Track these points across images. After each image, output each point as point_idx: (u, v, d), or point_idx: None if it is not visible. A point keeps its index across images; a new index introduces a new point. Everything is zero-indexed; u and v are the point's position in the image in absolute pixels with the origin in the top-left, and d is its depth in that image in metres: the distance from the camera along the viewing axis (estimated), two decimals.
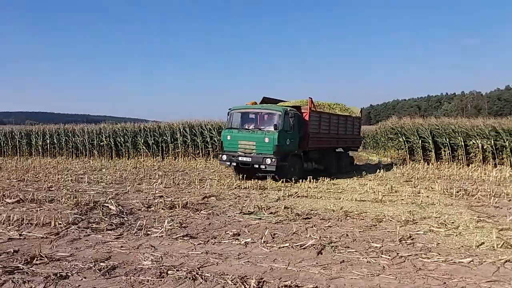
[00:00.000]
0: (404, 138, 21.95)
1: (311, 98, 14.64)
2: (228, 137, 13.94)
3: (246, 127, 14.03)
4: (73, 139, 25.94)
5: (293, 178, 13.23)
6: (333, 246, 6.15)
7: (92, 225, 7.33)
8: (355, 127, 18.47)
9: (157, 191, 11.13)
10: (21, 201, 9.54)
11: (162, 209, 8.69)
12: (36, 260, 5.43)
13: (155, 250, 5.95)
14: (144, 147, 24.06)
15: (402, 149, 22.09)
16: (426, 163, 20.09)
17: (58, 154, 25.98)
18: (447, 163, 20.03)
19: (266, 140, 13.10)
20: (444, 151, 20.60)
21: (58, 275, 4.89)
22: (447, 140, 20.45)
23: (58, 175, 15.28)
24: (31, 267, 5.23)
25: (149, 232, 6.82)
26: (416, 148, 21.48)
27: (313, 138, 14.70)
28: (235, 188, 11.85)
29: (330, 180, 14.01)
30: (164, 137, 23.98)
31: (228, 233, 6.79)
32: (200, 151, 23.01)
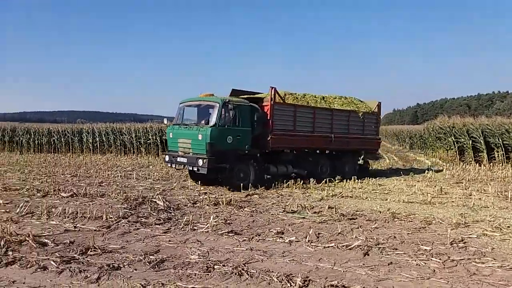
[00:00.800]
0: (453, 139, 21.06)
1: (274, 88, 12.08)
2: (170, 135, 12.38)
3: (187, 122, 12.18)
4: (121, 137, 26.95)
5: (250, 185, 11.33)
6: (380, 247, 6.02)
7: (141, 219, 7.59)
8: (366, 125, 14.89)
9: (201, 188, 11.35)
10: (74, 195, 10.03)
11: (207, 205, 8.85)
12: (90, 251, 5.71)
13: (201, 245, 6.08)
14: None
15: (452, 149, 21.21)
16: (477, 165, 19.17)
17: (107, 151, 27.10)
18: (500, 164, 19.03)
19: (200, 137, 11.12)
20: (497, 152, 19.58)
21: (111, 266, 5.11)
22: (500, 140, 19.41)
23: (108, 171, 15.94)
24: (86, 257, 5.49)
25: (195, 228, 6.97)
26: (467, 148, 20.57)
27: (280, 136, 12.25)
28: (278, 187, 11.83)
29: (376, 180, 13.67)
30: None
31: (272, 231, 6.81)
32: None
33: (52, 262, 5.26)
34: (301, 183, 12.10)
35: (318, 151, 13.71)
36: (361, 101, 15.43)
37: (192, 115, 12.30)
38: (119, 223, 7.31)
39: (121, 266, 5.15)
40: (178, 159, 11.80)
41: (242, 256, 5.56)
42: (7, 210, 8.46)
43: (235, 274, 4.87)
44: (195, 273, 4.90)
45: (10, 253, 5.68)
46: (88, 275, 4.86)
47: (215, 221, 7.25)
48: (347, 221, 7.73)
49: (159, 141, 25.51)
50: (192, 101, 12.33)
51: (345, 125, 14.17)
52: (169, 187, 11.52)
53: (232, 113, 11.38)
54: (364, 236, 6.58)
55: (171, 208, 8.52)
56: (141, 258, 5.42)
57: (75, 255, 5.55)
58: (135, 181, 13.01)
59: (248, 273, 4.90)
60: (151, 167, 18.20)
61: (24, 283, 4.71)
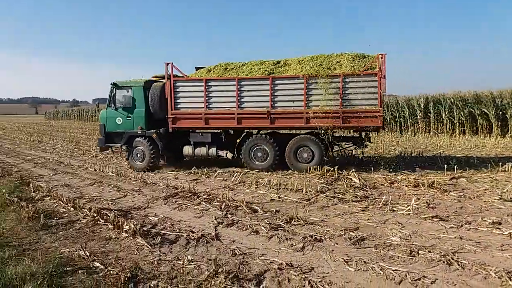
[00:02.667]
0: None
1: (170, 63, 11.05)
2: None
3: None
4: None
5: (146, 168, 11.40)
6: None
7: (338, 195, 7.75)
8: (352, 92, 10.08)
9: (397, 167, 10.85)
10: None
11: (406, 186, 8.42)
12: (294, 221, 6.14)
13: (402, 227, 5.84)
14: None
15: None
16: None
17: None
18: None
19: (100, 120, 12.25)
20: None
21: (314, 237, 5.40)
22: None
23: None
24: (290, 226, 5.95)
25: (394, 209, 6.73)
26: None
27: (183, 115, 11.20)
28: (490, 170, 10.35)
29: None
30: (402, 112, 23.06)
31: (485, 220, 6.02)
32: (444, 127, 21.12)
33: (262, 228, 5.88)
34: None
35: (255, 131, 11.54)
36: (356, 56, 10.53)
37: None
38: (317, 197, 7.63)
39: (323, 238, 5.39)
40: None
41: (450, 244, 5.11)
42: (225, 179, 9.81)
43: (443, 262, 4.51)
44: (398, 256, 4.75)
45: (229, 216, 6.60)
46: (294, 244, 5.25)
47: (417, 204, 6.85)
48: None
49: None
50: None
51: (300, 96, 10.43)
52: (363, 166, 11.38)
53: (125, 95, 11.69)
54: None
55: (368, 187, 8.42)
56: (341, 233, 5.55)
57: (281, 223, 6.06)
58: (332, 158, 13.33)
59: (459, 263, 4.47)
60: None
61: (241, 243, 5.41)
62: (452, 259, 4.56)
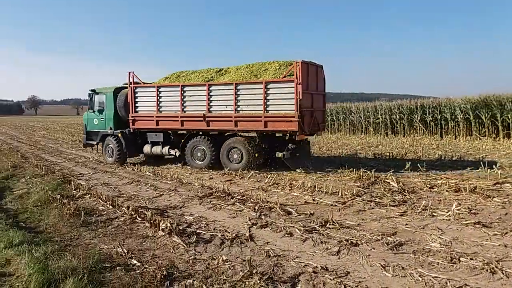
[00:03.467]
0: None
1: (131, 72, 12.77)
2: None
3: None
4: (350, 116, 27.47)
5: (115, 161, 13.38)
6: None
7: (375, 199, 7.57)
8: (273, 98, 10.57)
9: (437, 171, 10.49)
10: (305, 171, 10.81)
11: (447, 191, 8.12)
12: (329, 224, 6.06)
13: (442, 233, 5.63)
14: (420, 125, 23.11)
15: None
16: None
17: (337, 130, 28.13)
18: None
19: None
20: None
21: (349, 241, 5.30)
22: None
23: (338, 149, 16.57)
24: (325, 230, 5.87)
25: (434, 214, 6.50)
26: None
27: (140, 118, 12.87)
28: None
29: None
30: (443, 114, 22.31)
31: None
32: (487, 130, 20.26)
33: (297, 230, 5.84)
34: None
35: (200, 133, 12.21)
36: (284, 64, 11.01)
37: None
38: (353, 201, 7.49)
39: (359, 243, 5.28)
40: None
41: (493, 252, 4.88)
42: (258, 180, 9.82)
43: (486, 270, 4.31)
44: (438, 262, 4.58)
45: (263, 217, 6.60)
46: (329, 247, 5.18)
47: (458, 209, 6.58)
48: None
49: (388, 120, 24.88)
50: None
51: (230, 101, 11.11)
52: (400, 168, 11.09)
53: (100, 100, 13.80)
54: None
55: (406, 191, 8.18)
56: (378, 238, 5.42)
57: (315, 226, 5.99)
58: (365, 159, 13.09)
59: (503, 272, 4.27)
60: (380, 147, 17.96)
61: (275, 245, 5.39)
62: (496, 267, 4.35)
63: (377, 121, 25.61)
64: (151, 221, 6.32)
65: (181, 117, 11.96)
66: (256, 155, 11.17)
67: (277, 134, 11.38)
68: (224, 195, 8.19)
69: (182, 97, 11.88)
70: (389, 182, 8.83)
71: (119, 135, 13.20)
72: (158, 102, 12.40)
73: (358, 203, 7.33)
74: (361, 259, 4.75)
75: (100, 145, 14.44)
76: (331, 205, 7.32)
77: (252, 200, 7.63)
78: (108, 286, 4.26)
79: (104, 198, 8.05)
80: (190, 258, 5.00)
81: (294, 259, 4.84)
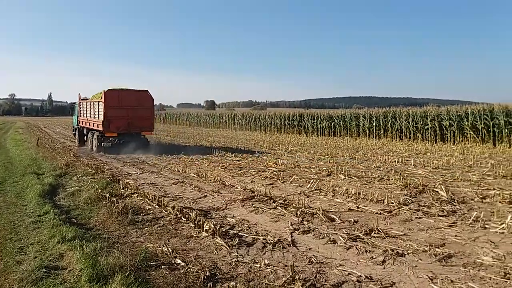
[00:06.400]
0: None
1: (79, 94, 22.15)
2: None
3: None
4: (397, 122, 26.70)
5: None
6: None
7: (423, 208, 7.31)
8: (98, 111, 18.38)
9: (489, 181, 9.97)
10: (354, 177, 10.61)
11: (500, 202, 7.71)
12: (374, 233, 5.91)
13: (495, 246, 5.34)
14: (471, 132, 22.07)
15: None
16: None
17: (383, 136, 27.44)
18: None
19: None
20: None
21: (395, 251, 5.14)
22: None
23: (384, 155, 16.14)
24: (370, 238, 5.73)
25: (486, 226, 6.18)
26: None
27: (82, 119, 21.24)
28: None
29: None
30: (496, 121, 21.18)
31: None
32: None
33: (340, 237, 5.74)
34: None
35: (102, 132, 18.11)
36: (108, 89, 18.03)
37: None
38: (400, 209, 7.26)
39: (405, 253, 5.11)
40: None
41: None
42: (300, 185, 9.76)
43: None
44: (490, 277, 4.35)
45: (305, 223, 6.54)
46: (374, 256, 5.05)
47: None
48: None
49: (437, 126, 23.96)
50: None
51: (97, 111, 18.58)
52: (450, 177, 10.63)
53: (76, 107, 22.69)
54: None
55: (455, 201, 7.84)
56: (425, 248, 5.23)
57: (360, 234, 5.87)
58: (412, 167, 12.67)
59: None
60: (428, 154, 17.31)
61: (318, 251, 5.33)
62: None
63: (425, 127, 24.73)
64: (195, 222, 6.44)
65: (88, 121, 19.88)
66: (102, 144, 17.86)
67: (105, 132, 17.75)
68: (266, 198, 8.20)
69: (80, 108, 21.74)
70: (437, 191, 8.50)
71: (76, 131, 22.73)
72: (83, 111, 20.99)
73: (404, 212, 7.10)
74: (408, 270, 4.60)
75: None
76: (377, 213, 7.14)
77: (294, 205, 7.58)
78: (153, 284, 4.38)
79: (150, 198, 8.29)
80: (232, 260, 5.04)
81: (337, 267, 4.76)
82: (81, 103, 21.32)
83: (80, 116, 21.36)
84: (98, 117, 17.95)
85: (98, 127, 18.05)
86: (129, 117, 17.81)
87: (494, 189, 8.94)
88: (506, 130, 20.71)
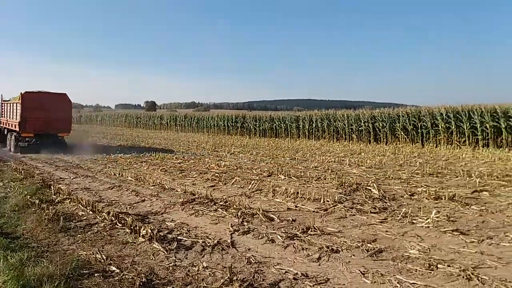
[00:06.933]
0: None
1: (1, 95, 22.69)
2: None
3: None
4: (334, 123, 27.72)
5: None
6: None
7: (356, 206, 7.65)
8: (16, 112, 19.21)
9: (417, 179, 10.66)
10: (297, 177, 10.86)
11: (426, 199, 8.25)
12: (311, 231, 6.09)
13: (421, 240, 5.71)
14: (402, 133, 23.46)
15: None
16: None
17: (321, 137, 28.35)
18: None
19: None
20: None
21: (330, 248, 5.33)
22: None
23: (322, 156, 16.68)
24: (306, 236, 5.89)
25: (414, 221, 6.60)
26: None
27: (2, 121, 22.05)
28: None
29: None
30: (423, 123, 22.70)
31: (508, 235, 5.83)
32: (467, 139, 20.69)
33: (278, 236, 5.85)
34: None
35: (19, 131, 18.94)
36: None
37: None
38: (335, 207, 7.55)
39: (340, 249, 5.31)
40: None
41: (470, 259, 4.97)
42: (242, 186, 9.81)
43: (463, 277, 4.39)
44: (416, 269, 4.64)
45: (245, 223, 6.59)
46: (310, 254, 5.20)
47: (437, 217, 6.69)
48: None
49: (371, 127, 25.18)
50: None
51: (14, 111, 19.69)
52: (382, 175, 11.23)
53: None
54: None
55: (386, 198, 8.29)
56: (358, 244, 5.46)
57: (297, 233, 6.01)
58: (348, 167, 13.22)
59: (479, 278, 4.34)
60: (363, 154, 18.16)
61: (257, 251, 5.39)
62: (472, 274, 4.43)
63: (360, 128, 25.91)
64: (132, 227, 6.25)
65: (7, 121, 20.75)
66: (19, 144, 18.47)
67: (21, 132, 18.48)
68: (206, 201, 8.15)
69: (2, 110, 22.18)
70: (370, 189, 8.93)
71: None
72: (3, 112, 21.98)
73: (339, 210, 7.39)
74: (341, 266, 4.79)
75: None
76: (313, 211, 7.36)
77: (235, 206, 7.60)
78: None
79: (84, 203, 7.92)
80: (170, 265, 4.95)
81: (275, 266, 4.84)
82: (3, 104, 21.86)
83: (2, 117, 21.98)
84: (16, 117, 18.82)
85: (15, 127, 18.84)
86: (46, 118, 18.45)
87: (421, 186, 9.57)
88: (433, 131, 22.24)
